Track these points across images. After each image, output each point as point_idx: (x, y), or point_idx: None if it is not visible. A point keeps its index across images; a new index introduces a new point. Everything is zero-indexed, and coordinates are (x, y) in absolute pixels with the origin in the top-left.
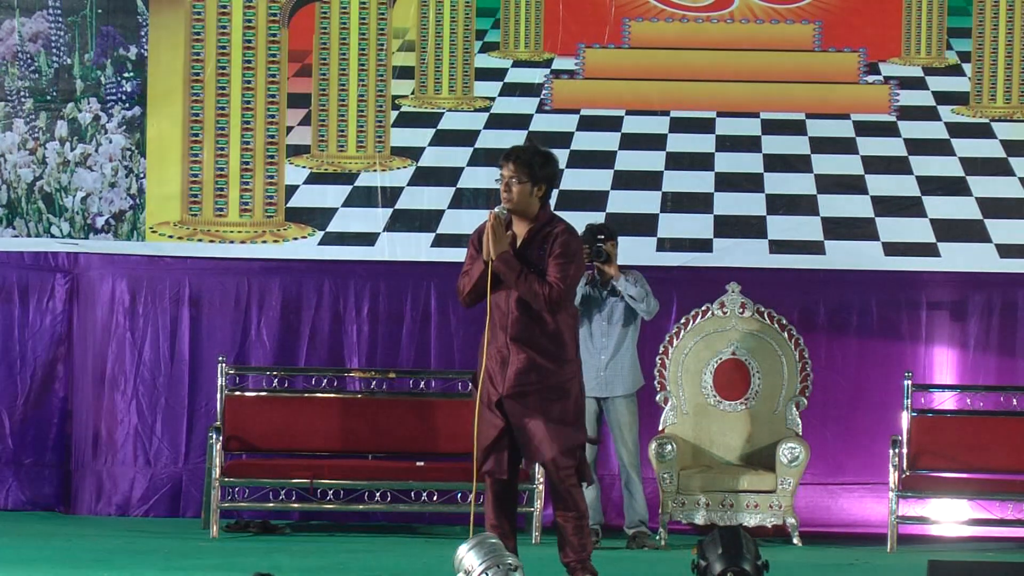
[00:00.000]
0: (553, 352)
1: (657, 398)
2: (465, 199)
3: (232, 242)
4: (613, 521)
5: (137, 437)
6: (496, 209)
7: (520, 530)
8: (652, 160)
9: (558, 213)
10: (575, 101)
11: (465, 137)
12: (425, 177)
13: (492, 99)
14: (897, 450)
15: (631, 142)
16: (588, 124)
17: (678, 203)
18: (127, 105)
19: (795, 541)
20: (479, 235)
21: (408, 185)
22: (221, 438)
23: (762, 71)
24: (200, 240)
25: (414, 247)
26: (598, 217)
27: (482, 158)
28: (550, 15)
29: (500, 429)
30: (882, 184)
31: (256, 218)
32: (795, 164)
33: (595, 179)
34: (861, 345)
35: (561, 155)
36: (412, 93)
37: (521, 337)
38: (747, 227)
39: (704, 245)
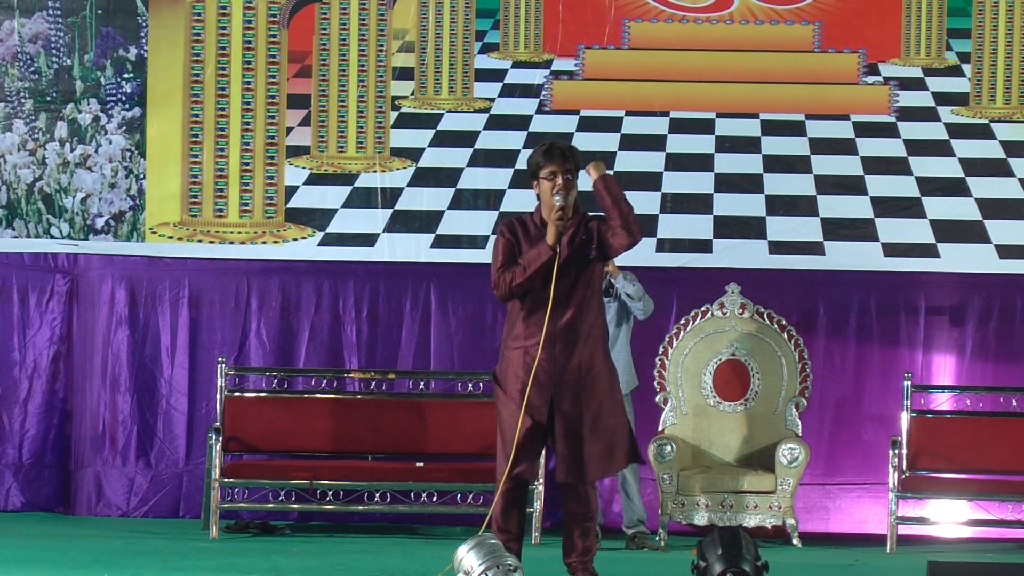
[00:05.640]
0: (605, 345)
1: (657, 399)
2: (465, 200)
3: (232, 243)
4: (611, 522)
5: (137, 438)
6: (559, 201)
7: None
8: (652, 161)
9: None
10: (575, 102)
11: (465, 138)
12: (425, 178)
13: (492, 100)
14: (897, 451)
15: (631, 143)
16: (588, 125)
17: (678, 204)
18: (127, 106)
19: (795, 542)
20: (509, 228)
21: (408, 186)
22: (221, 439)
23: (762, 72)
24: (200, 241)
25: (414, 248)
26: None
27: (482, 159)
28: (550, 16)
29: (537, 430)
30: (882, 185)
31: (256, 219)
32: (794, 165)
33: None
34: (861, 346)
35: None
36: (412, 94)
37: (580, 328)
38: (747, 228)
39: (704, 246)
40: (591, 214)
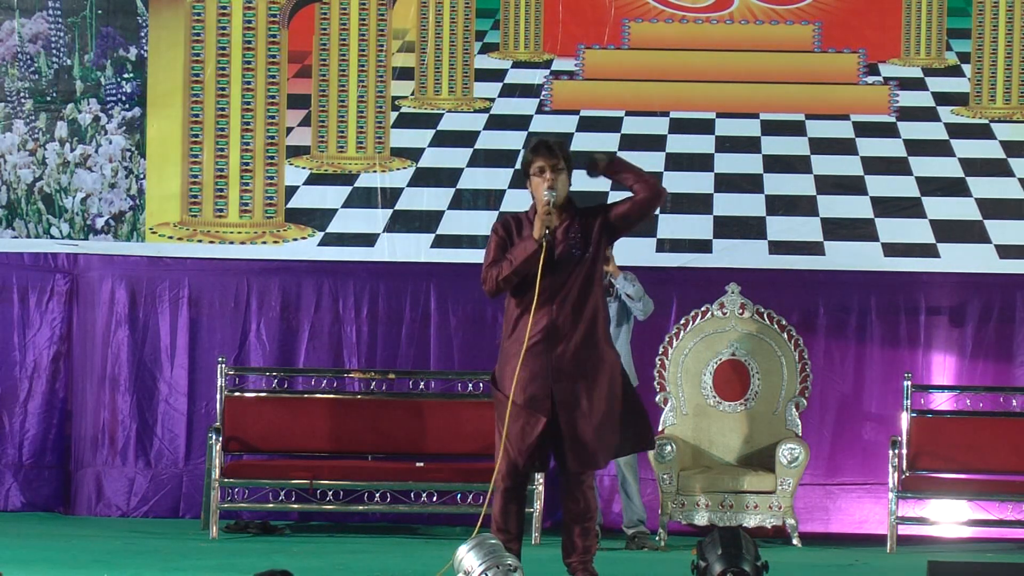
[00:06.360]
0: (607, 335)
1: (657, 399)
2: (465, 200)
3: (232, 243)
4: (611, 522)
5: (137, 438)
6: (546, 196)
7: None
8: (652, 161)
9: None
10: (575, 102)
11: (465, 138)
12: (425, 178)
13: (492, 100)
14: (897, 451)
15: (631, 143)
16: (588, 125)
17: (678, 204)
18: (127, 106)
19: (795, 542)
20: (504, 226)
21: (408, 186)
22: (221, 439)
23: (762, 72)
24: (200, 241)
25: (414, 248)
26: None
27: (482, 159)
28: (550, 16)
29: (542, 424)
30: (882, 185)
31: (256, 219)
32: (794, 165)
33: (594, 180)
34: (861, 346)
35: None
36: (412, 94)
37: (578, 322)
38: (747, 228)
39: (704, 246)
40: (586, 206)
